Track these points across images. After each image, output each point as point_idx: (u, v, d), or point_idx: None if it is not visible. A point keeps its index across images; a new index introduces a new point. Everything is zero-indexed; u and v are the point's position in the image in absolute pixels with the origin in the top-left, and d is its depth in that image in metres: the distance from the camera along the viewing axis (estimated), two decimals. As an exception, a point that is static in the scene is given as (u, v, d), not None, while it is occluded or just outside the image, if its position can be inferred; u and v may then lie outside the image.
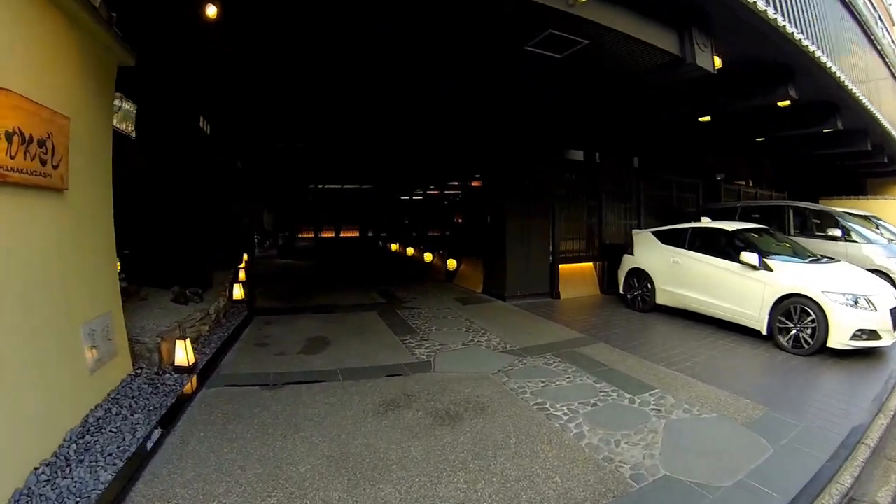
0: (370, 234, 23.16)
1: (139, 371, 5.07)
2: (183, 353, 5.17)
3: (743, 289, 6.83)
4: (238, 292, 8.81)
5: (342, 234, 24.19)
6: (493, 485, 3.20)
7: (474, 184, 14.03)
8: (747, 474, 3.33)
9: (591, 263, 10.87)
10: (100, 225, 4.69)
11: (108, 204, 4.82)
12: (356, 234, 24.23)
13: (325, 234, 23.88)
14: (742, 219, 10.42)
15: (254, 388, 4.89)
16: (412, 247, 16.55)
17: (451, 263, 12.26)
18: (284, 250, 18.61)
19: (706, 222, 8.42)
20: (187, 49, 6.04)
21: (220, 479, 3.22)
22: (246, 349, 6.24)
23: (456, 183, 14.91)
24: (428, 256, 14.30)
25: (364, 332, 7.09)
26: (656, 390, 4.80)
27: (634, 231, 9.64)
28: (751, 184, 16.26)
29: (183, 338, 5.27)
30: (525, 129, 10.31)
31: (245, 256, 14.85)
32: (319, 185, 20.05)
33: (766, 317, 6.44)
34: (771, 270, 6.57)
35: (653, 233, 8.99)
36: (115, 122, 5.69)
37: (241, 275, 11.27)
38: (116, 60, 4.93)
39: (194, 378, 5.09)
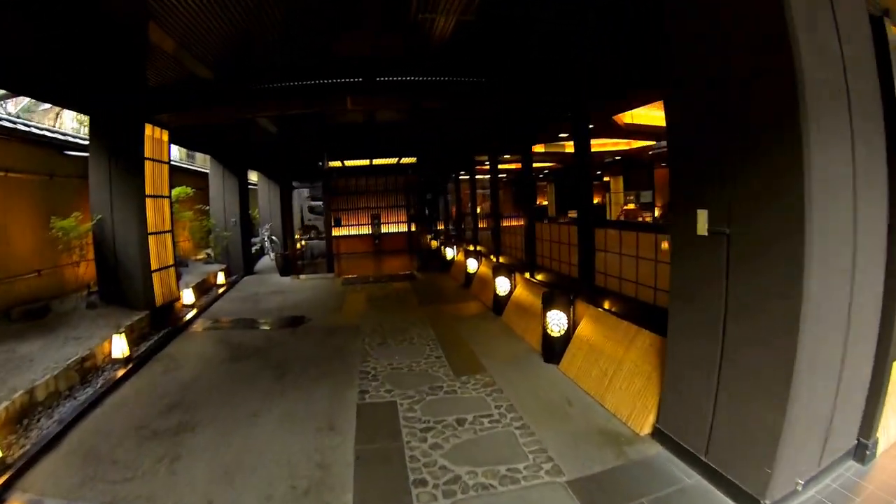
0: (417, 230, 16.58)
1: None
2: None
3: None
4: None
5: (385, 231, 17.76)
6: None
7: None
8: None
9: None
10: None
11: None
12: (404, 228, 17.73)
13: (357, 231, 17.62)
14: None
15: None
16: (477, 256, 9.77)
17: (552, 329, 5.37)
18: (287, 264, 12.50)
19: None
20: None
21: None
22: None
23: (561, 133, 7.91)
24: (499, 287, 7.45)
25: None
26: None
27: None
28: None
29: None
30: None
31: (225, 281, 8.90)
32: (343, 163, 13.64)
33: None
34: None
35: None
36: None
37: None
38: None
39: None
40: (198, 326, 7.89)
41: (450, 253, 11.89)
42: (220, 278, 11.29)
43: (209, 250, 13.27)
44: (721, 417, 3.22)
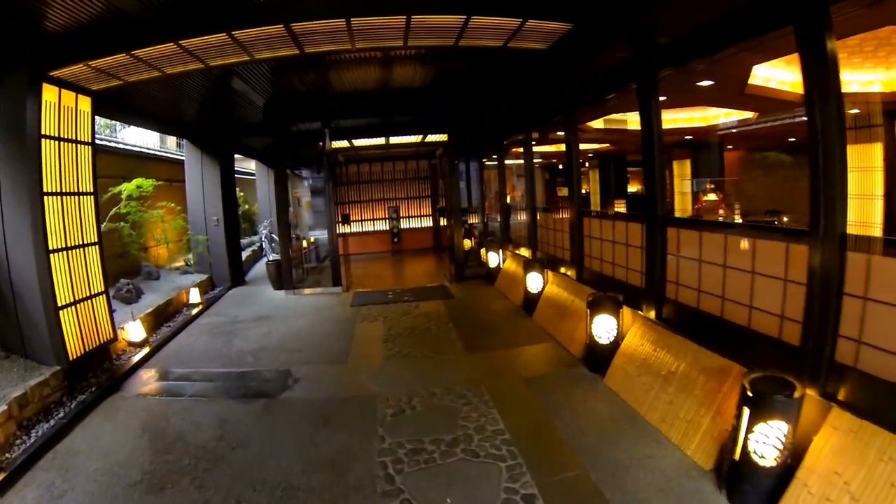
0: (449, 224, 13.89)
1: None
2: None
3: None
4: None
5: (406, 226, 15.04)
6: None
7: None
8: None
9: None
10: None
11: None
12: (428, 223, 15.03)
13: (372, 227, 14.93)
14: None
15: None
16: (541, 270, 6.90)
17: (758, 453, 2.57)
18: (281, 273, 9.78)
19: None
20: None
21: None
22: None
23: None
24: (598, 330, 4.64)
25: None
26: None
27: None
28: None
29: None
30: None
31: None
32: (351, 143, 10.86)
33: None
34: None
35: None
36: None
37: None
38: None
39: None
40: (135, 385, 5.26)
41: (493, 259, 9.03)
42: (194, 296, 8.65)
43: (190, 256, 10.67)
44: None
